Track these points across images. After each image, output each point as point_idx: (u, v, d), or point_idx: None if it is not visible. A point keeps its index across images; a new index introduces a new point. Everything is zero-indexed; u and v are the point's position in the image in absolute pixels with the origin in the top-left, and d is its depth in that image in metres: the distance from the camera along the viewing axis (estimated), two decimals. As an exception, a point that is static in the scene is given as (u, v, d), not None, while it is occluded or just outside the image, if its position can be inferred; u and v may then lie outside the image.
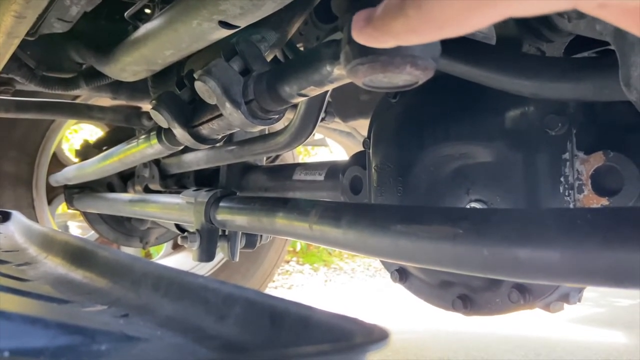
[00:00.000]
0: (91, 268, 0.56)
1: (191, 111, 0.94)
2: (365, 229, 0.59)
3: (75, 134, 3.41)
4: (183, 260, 2.19)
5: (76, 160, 1.85)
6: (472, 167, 0.77)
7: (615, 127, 0.64)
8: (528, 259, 0.45)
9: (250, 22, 0.65)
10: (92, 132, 3.05)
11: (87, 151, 1.80)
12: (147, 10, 0.98)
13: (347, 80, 0.58)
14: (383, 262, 0.97)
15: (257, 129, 0.72)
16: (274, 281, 2.93)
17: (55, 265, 0.63)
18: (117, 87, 1.28)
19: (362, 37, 0.30)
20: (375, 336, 0.26)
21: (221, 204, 0.95)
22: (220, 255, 1.04)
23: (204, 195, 0.98)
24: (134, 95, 1.32)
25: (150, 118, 1.31)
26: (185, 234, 1.04)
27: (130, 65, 0.94)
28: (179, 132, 0.94)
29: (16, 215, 1.02)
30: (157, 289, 0.44)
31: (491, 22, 0.24)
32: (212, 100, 0.78)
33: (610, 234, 0.40)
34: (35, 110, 1.38)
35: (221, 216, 0.95)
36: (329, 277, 3.73)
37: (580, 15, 0.53)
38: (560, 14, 0.56)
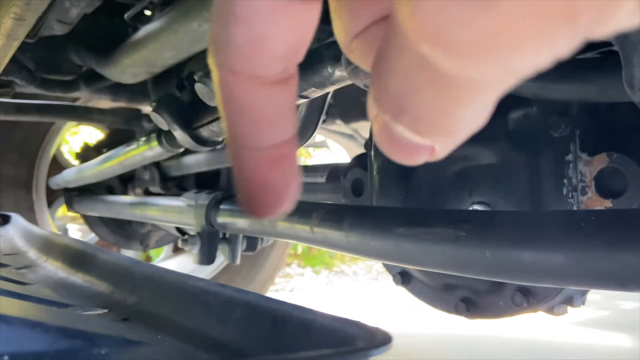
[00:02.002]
0: (91, 271, 0.55)
1: (191, 113, 0.93)
2: (367, 231, 0.58)
3: (75, 137, 3.41)
4: (184, 263, 2.18)
5: (76, 162, 1.84)
6: (475, 168, 0.76)
7: (619, 128, 0.64)
8: (531, 261, 0.44)
9: (251, 23, 0.65)
10: (91, 134, 3.05)
11: (87, 154, 1.79)
12: (147, 12, 0.98)
13: (349, 82, 0.58)
14: (385, 265, 0.97)
15: (258, 131, 0.72)
16: (275, 284, 2.92)
17: (55, 268, 0.63)
18: (117, 89, 1.27)
19: None
20: (378, 340, 0.25)
21: (222, 206, 0.95)
22: (221, 259, 1.03)
23: (204, 198, 0.97)
24: (134, 98, 1.31)
25: (150, 120, 1.30)
26: (186, 236, 1.04)
27: (130, 67, 0.94)
28: (179, 134, 0.94)
29: (16, 218, 1.01)
30: (157, 292, 0.44)
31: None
32: (212, 102, 0.77)
33: (614, 236, 0.40)
34: (35, 112, 1.38)
35: (222, 219, 0.94)
36: (330, 280, 3.72)
37: None
38: None
